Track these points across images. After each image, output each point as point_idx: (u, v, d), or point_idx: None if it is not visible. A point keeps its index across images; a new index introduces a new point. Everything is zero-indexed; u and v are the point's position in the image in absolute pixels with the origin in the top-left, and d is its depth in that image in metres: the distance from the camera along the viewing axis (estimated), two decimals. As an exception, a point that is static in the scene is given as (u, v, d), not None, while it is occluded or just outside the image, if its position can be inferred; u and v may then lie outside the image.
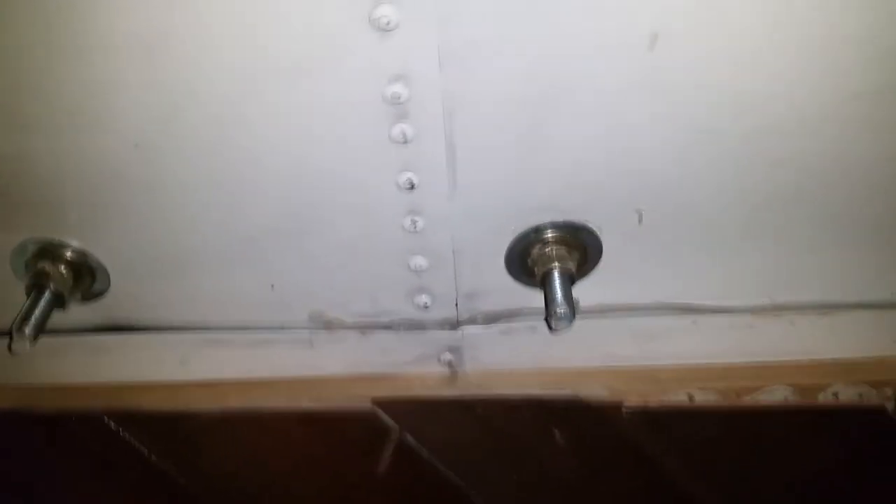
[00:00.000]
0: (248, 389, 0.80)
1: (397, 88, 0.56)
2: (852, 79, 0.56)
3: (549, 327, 0.67)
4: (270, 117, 0.59)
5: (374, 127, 0.59)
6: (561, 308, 0.65)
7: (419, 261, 0.71)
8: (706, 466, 0.77)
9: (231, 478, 0.80)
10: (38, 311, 0.70)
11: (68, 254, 0.72)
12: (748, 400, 0.74)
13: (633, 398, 0.76)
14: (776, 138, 0.59)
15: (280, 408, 0.78)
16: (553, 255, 0.67)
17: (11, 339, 0.69)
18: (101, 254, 0.73)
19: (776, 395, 0.75)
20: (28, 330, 0.69)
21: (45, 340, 0.79)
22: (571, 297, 0.66)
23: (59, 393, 0.80)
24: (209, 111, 0.59)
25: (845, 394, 0.75)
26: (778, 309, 0.75)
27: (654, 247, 0.69)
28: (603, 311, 0.74)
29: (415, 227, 0.67)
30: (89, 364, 0.81)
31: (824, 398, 0.75)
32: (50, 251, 0.72)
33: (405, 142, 0.60)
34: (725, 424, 0.75)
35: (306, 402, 0.78)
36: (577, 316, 0.65)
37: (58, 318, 0.75)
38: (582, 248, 0.68)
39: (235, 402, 0.79)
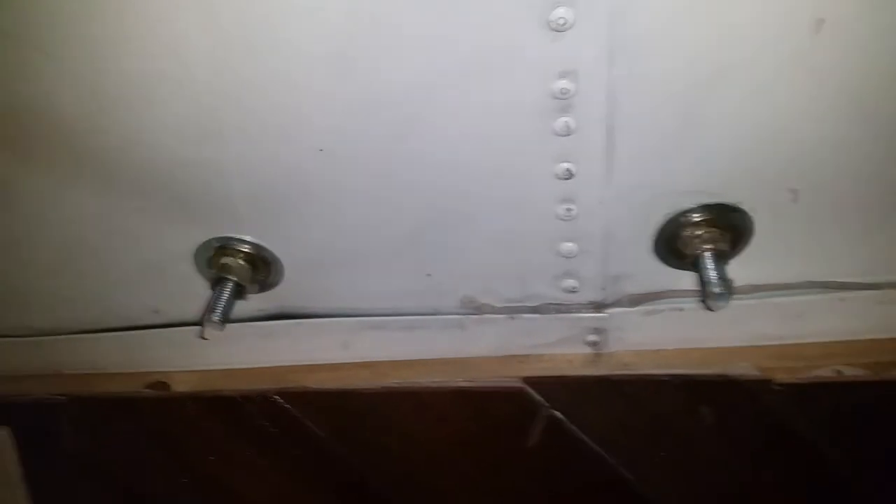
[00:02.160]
0: (405, 369, 0.85)
1: (565, 84, 0.60)
2: None
3: (707, 307, 0.70)
4: (442, 119, 0.64)
5: (539, 120, 0.63)
6: (717, 288, 0.68)
7: (569, 246, 0.75)
8: (855, 441, 0.78)
9: (391, 452, 0.87)
10: (223, 301, 0.78)
11: (246, 249, 0.79)
12: (897, 374, 0.75)
13: (781, 375, 0.77)
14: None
15: (434, 386, 0.84)
16: (705, 237, 0.70)
17: (203, 325, 0.77)
18: (276, 249, 0.79)
19: (927, 369, 0.75)
20: (216, 317, 0.77)
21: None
22: (726, 277, 0.69)
23: (235, 376, 0.88)
24: (387, 116, 0.64)
25: None
26: (928, 284, 0.75)
27: (806, 226, 0.71)
28: (752, 290, 0.76)
29: (569, 215, 0.71)
30: (261, 349, 0.88)
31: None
32: (230, 248, 0.79)
33: (567, 134, 0.64)
34: (875, 398, 0.76)
35: (459, 381, 0.83)
36: (733, 295, 0.68)
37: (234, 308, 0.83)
38: (733, 228, 0.71)
39: (393, 381, 0.84)
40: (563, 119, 0.63)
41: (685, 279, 0.78)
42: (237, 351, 0.89)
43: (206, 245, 0.79)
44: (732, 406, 0.80)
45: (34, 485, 0.94)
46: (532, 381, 0.81)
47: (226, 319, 0.77)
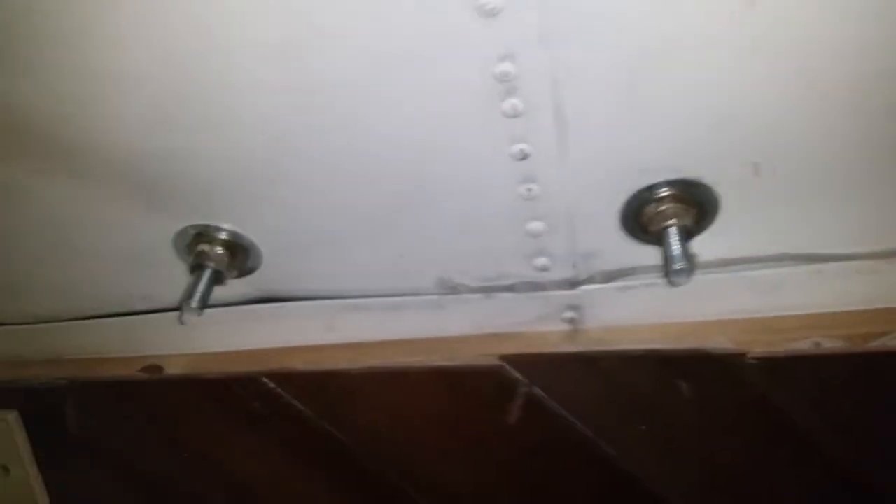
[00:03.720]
0: (387, 349, 0.87)
1: (506, 67, 0.60)
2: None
3: (669, 283, 0.69)
4: (396, 102, 0.64)
5: (486, 104, 0.63)
6: (678, 264, 0.67)
7: (536, 225, 0.75)
8: (833, 413, 0.77)
9: (378, 431, 0.89)
10: (201, 287, 0.80)
11: (223, 236, 0.80)
12: (876, 345, 0.73)
13: (758, 348, 0.76)
14: (890, 83, 0.57)
15: (416, 365, 0.85)
16: (668, 213, 0.69)
17: (182, 312, 0.80)
18: (252, 234, 0.81)
19: (907, 339, 0.74)
20: (194, 304, 0.79)
21: (209, 313, 0.90)
22: (688, 253, 0.68)
23: (225, 359, 0.91)
24: (339, 102, 0.64)
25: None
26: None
27: (773, 198, 0.69)
28: (724, 264, 0.75)
29: (529, 194, 0.71)
30: (248, 332, 0.90)
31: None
32: (207, 235, 0.81)
33: (516, 115, 0.63)
34: (853, 370, 0.75)
35: (439, 361, 0.84)
36: (695, 270, 0.67)
37: (219, 293, 0.85)
38: (698, 203, 0.69)
39: (376, 361, 0.86)
40: (511, 101, 0.63)
41: (656, 255, 0.77)
42: (225, 334, 0.91)
43: (182, 233, 0.81)
44: (709, 380, 0.79)
45: (44, 465, 0.99)
46: (510, 359, 0.82)
47: (204, 305, 0.79)
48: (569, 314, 0.82)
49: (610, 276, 0.80)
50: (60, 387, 0.93)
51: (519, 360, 0.82)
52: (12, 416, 0.95)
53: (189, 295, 0.79)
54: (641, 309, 0.80)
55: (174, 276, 0.86)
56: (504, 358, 0.82)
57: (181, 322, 0.80)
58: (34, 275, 0.87)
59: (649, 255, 0.76)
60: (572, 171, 0.68)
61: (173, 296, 0.89)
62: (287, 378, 0.88)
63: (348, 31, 0.59)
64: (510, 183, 0.71)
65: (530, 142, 0.66)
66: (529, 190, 0.71)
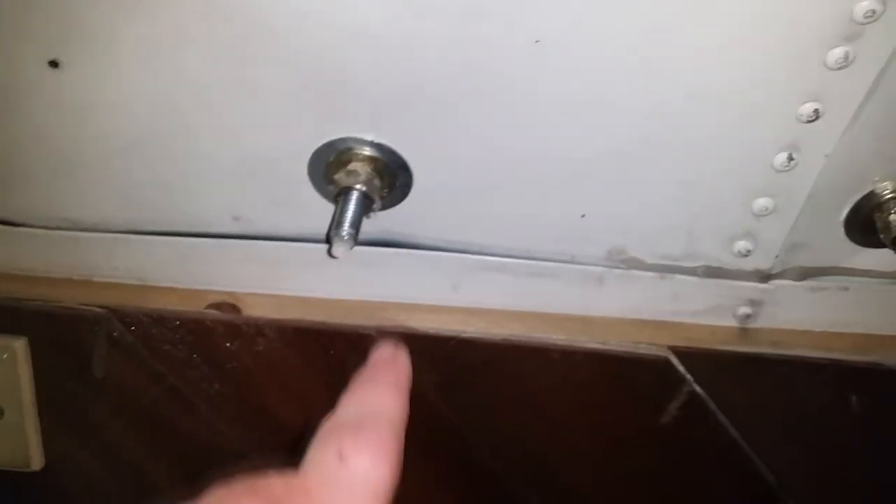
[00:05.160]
0: (524, 321, 0.74)
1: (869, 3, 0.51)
2: None
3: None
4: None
5: (812, 44, 0.53)
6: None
7: (763, 202, 0.66)
8: None
9: (501, 412, 0.75)
10: (350, 213, 0.64)
11: (378, 155, 0.65)
12: None
13: (946, 370, 0.72)
14: None
15: (561, 344, 0.73)
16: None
17: (331, 242, 0.63)
18: (409, 157, 0.66)
19: None
20: (345, 232, 0.63)
21: (302, 248, 0.74)
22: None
23: (316, 305, 0.74)
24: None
25: None
26: None
27: None
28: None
29: (786, 166, 0.62)
30: (352, 279, 0.75)
31: None
32: (359, 153, 0.65)
33: (839, 67, 0.54)
34: None
35: (591, 342, 0.73)
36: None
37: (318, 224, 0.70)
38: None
39: (515, 332, 0.73)
40: (843, 48, 0.53)
41: (862, 256, 0.70)
42: (323, 277, 0.75)
43: (330, 145, 0.65)
44: (884, 398, 0.74)
45: (48, 411, 0.77)
46: (678, 351, 0.72)
47: (357, 236, 0.64)
48: (744, 309, 0.74)
49: (805, 273, 0.72)
50: (93, 315, 0.73)
51: (687, 354, 0.72)
52: (19, 345, 0.72)
53: (340, 222, 0.63)
54: (822, 313, 0.74)
55: (287, 200, 0.70)
56: (672, 349, 0.72)
57: (331, 255, 0.63)
58: (103, 166, 0.67)
59: (854, 254, 0.70)
60: (848, 146, 0.60)
61: (275, 223, 0.72)
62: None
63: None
64: (772, 147, 0.61)
65: (825, 102, 0.57)
66: (791, 159, 0.62)
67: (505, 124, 0.62)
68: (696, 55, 0.55)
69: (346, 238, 0.63)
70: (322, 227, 0.72)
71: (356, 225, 0.64)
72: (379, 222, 0.71)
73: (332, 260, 0.73)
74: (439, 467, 0.78)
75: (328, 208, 0.69)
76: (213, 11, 0.56)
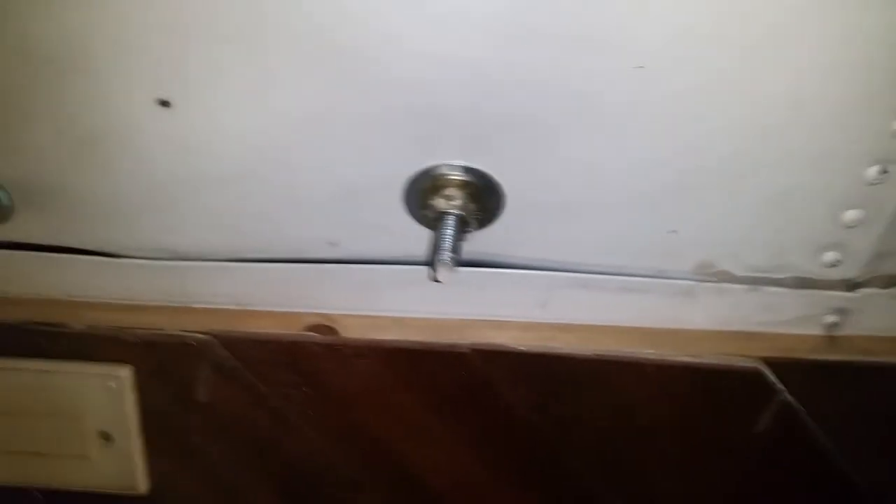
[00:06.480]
0: (615, 336, 0.76)
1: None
2: None
3: None
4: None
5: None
6: None
7: (853, 214, 0.67)
8: None
9: (596, 425, 0.77)
10: (451, 237, 0.66)
11: (472, 180, 0.67)
12: None
13: None
14: None
15: (654, 358, 0.74)
16: None
17: (434, 266, 0.65)
18: (502, 180, 0.68)
19: None
20: (445, 256, 0.65)
21: (392, 270, 0.76)
22: None
23: (409, 325, 0.76)
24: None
25: None
26: None
27: None
28: None
29: (880, 178, 0.63)
30: (442, 298, 0.77)
31: None
32: (453, 178, 0.67)
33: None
34: None
35: (683, 355, 0.74)
36: None
37: (407, 248, 0.73)
38: None
39: (607, 347, 0.75)
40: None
41: (951, 264, 0.71)
42: (415, 298, 0.77)
43: (425, 172, 0.67)
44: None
45: (153, 437, 0.79)
46: (770, 362, 0.73)
47: (459, 258, 0.66)
48: (831, 318, 0.75)
49: (891, 281, 0.73)
50: (195, 340, 0.75)
51: (778, 364, 0.73)
52: (125, 373, 0.75)
53: (442, 247, 0.65)
54: (906, 321, 0.74)
55: (381, 224, 0.72)
56: (765, 360, 0.73)
57: (435, 280, 0.65)
58: (206, 198, 0.69)
59: (942, 263, 0.71)
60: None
61: (369, 247, 0.74)
62: (497, 356, 0.75)
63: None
64: (865, 161, 0.63)
65: (927, 116, 0.59)
66: (884, 172, 0.63)
67: (600, 145, 0.64)
68: (796, 73, 0.57)
69: (448, 262, 0.65)
70: (413, 250, 0.74)
71: (457, 249, 0.66)
72: (470, 243, 0.73)
73: (423, 280, 0.76)
74: (530, 479, 0.79)
75: (419, 231, 0.72)
76: (320, 47, 0.58)
